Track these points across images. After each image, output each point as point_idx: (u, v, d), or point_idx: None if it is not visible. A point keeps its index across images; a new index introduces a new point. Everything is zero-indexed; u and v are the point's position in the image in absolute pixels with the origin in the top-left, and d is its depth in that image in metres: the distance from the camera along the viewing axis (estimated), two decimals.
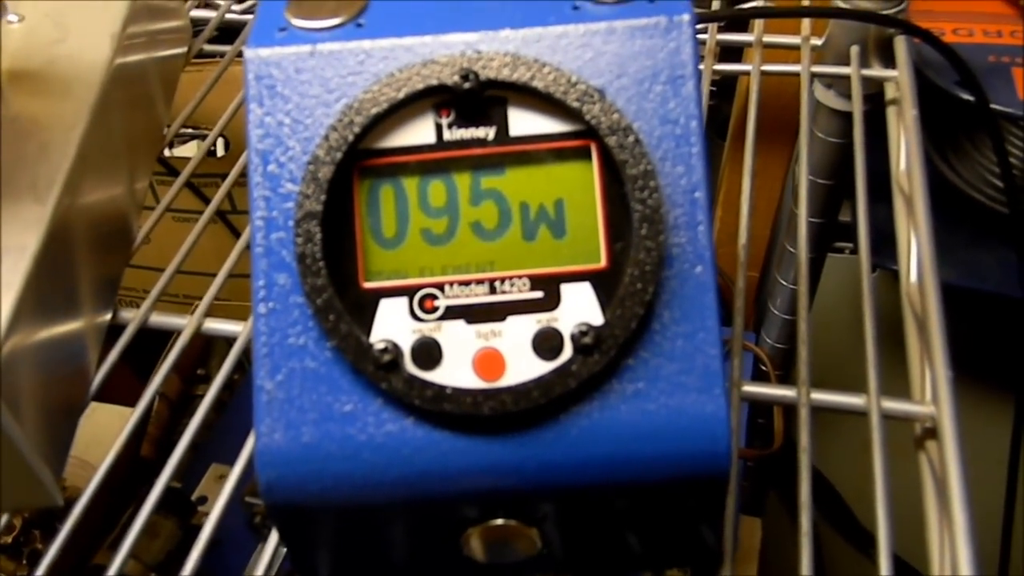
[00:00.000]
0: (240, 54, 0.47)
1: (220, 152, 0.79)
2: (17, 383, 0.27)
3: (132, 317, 0.34)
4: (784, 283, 0.60)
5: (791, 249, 0.58)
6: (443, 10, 0.24)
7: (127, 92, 0.37)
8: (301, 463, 0.22)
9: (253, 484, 0.57)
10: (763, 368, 0.64)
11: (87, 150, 0.32)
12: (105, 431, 0.37)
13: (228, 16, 0.50)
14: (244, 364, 0.83)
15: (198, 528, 0.36)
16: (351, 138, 0.22)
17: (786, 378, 0.67)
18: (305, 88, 0.23)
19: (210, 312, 0.36)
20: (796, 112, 0.59)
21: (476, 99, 0.23)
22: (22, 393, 0.27)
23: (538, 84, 0.22)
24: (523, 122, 0.23)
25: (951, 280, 0.53)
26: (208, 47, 0.48)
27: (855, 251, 0.68)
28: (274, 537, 0.29)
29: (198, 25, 0.48)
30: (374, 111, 0.22)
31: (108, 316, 0.34)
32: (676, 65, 0.23)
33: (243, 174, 0.58)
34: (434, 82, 0.22)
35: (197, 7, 0.50)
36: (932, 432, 0.29)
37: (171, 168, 0.72)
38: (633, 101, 0.23)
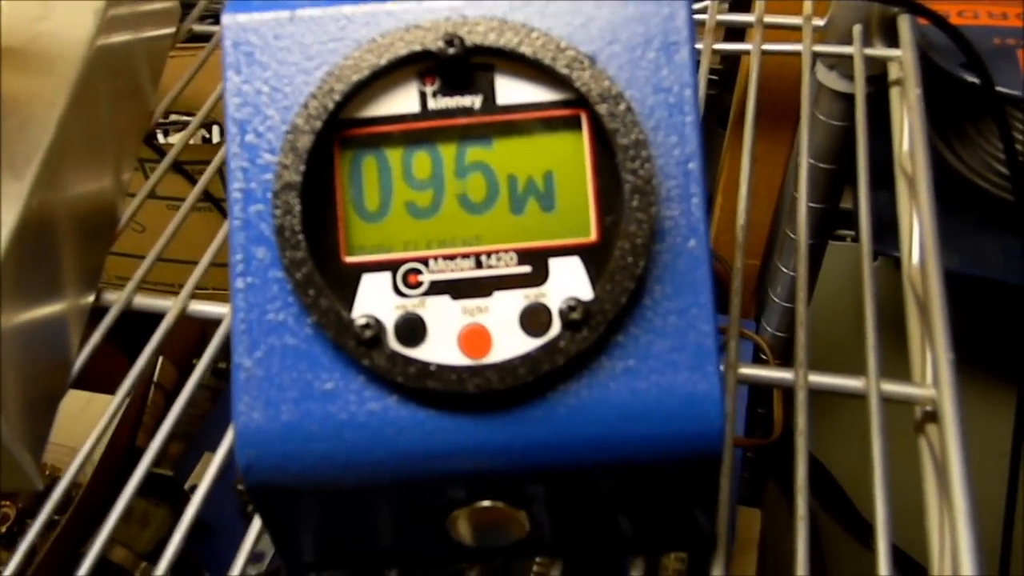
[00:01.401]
0: None
1: (216, 139, 0.78)
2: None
3: (116, 299, 0.33)
4: (785, 270, 0.59)
5: (792, 236, 0.57)
6: None
7: (111, 71, 0.36)
8: (281, 443, 0.22)
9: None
10: (763, 356, 0.63)
11: (67, 128, 0.31)
12: (100, 421, 0.36)
13: None
14: None
15: None
16: (331, 106, 0.22)
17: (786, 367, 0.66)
18: (284, 55, 0.22)
19: (202, 298, 0.35)
20: (798, 96, 0.58)
21: (462, 66, 0.22)
22: (3, 375, 0.27)
23: (526, 50, 0.22)
24: (511, 90, 0.22)
25: (954, 267, 0.52)
26: (198, 28, 0.47)
27: (857, 239, 0.68)
28: (256, 525, 0.28)
29: (188, 7, 0.47)
30: (355, 78, 0.22)
31: (91, 299, 0.33)
32: (670, 31, 0.22)
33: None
34: (417, 48, 0.22)
35: None
36: (932, 416, 0.28)
37: (165, 155, 0.71)
38: (625, 68, 0.22)
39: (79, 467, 0.30)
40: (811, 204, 0.54)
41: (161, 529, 0.53)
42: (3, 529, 0.59)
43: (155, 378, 0.75)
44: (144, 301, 0.34)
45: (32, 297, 0.29)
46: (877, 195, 0.36)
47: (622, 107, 0.21)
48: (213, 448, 0.67)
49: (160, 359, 0.73)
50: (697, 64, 0.23)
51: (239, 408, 0.22)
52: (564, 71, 0.22)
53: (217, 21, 0.48)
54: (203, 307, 0.33)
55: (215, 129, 0.79)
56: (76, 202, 0.32)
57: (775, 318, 0.62)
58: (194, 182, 0.75)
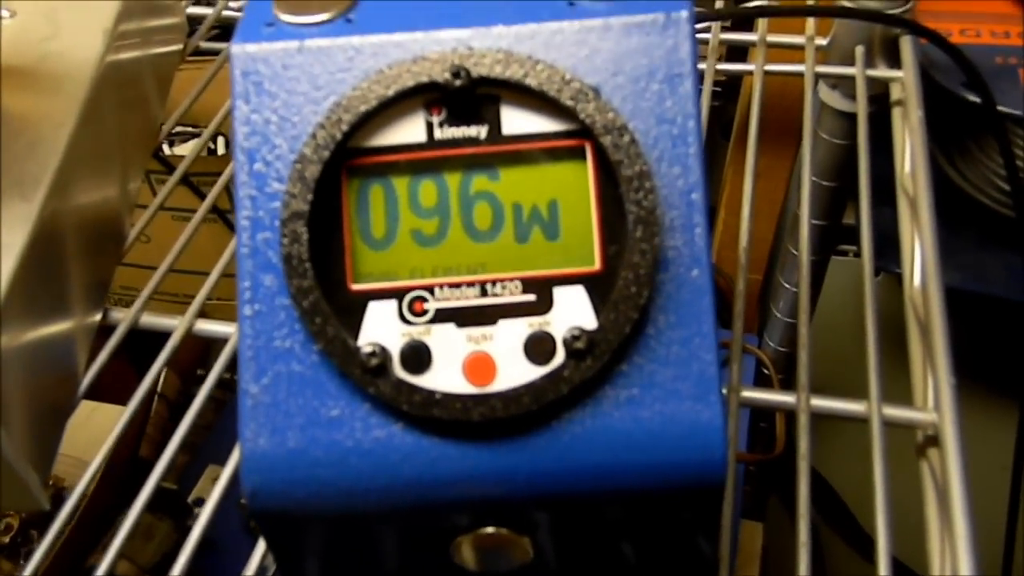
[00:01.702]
0: None
1: (220, 151, 0.79)
2: (3, 384, 0.27)
3: (123, 317, 0.34)
4: (787, 286, 0.59)
5: (794, 252, 0.58)
6: (434, 6, 0.24)
7: (120, 90, 0.37)
8: (287, 469, 0.22)
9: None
10: (765, 372, 0.63)
11: (77, 147, 0.32)
12: (106, 431, 0.36)
13: (225, 13, 0.49)
14: None
15: None
16: (339, 136, 0.22)
17: (789, 381, 0.66)
18: (293, 85, 0.23)
19: (208, 312, 0.35)
20: (801, 113, 0.58)
21: (468, 97, 0.22)
22: (8, 394, 0.27)
23: (531, 82, 0.22)
24: (516, 121, 0.23)
25: (955, 284, 0.53)
26: (206, 44, 0.47)
27: (859, 254, 0.68)
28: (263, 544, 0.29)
29: (195, 23, 0.48)
30: (363, 109, 0.22)
31: (98, 317, 0.34)
32: (674, 63, 0.22)
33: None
34: (425, 79, 0.22)
35: (194, 4, 0.49)
36: (934, 440, 0.28)
37: (170, 167, 0.71)
38: (629, 100, 0.22)
39: (89, 482, 0.30)
40: (813, 221, 0.54)
41: (164, 542, 0.53)
42: (7, 540, 0.59)
43: (158, 389, 0.75)
44: (151, 320, 0.34)
45: (40, 316, 0.29)
46: (879, 211, 0.36)
47: (626, 139, 0.22)
48: (217, 460, 0.68)
49: (164, 369, 0.74)
50: (700, 93, 0.23)
51: (245, 434, 0.22)
52: (569, 103, 0.22)
53: (224, 36, 0.48)
54: (209, 326, 0.34)
55: (220, 140, 0.80)
56: (84, 221, 0.33)
57: (777, 333, 0.62)
58: (199, 193, 0.75)
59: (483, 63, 0.22)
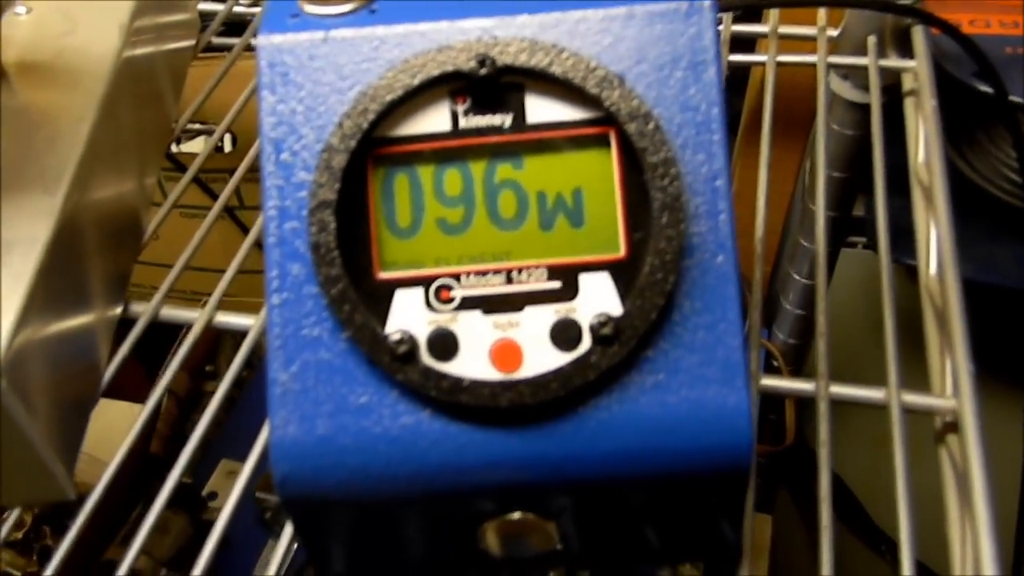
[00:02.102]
0: (249, 47, 0.46)
1: (228, 148, 0.79)
2: (28, 376, 0.27)
3: (143, 311, 0.34)
4: (797, 277, 0.59)
5: (804, 243, 0.58)
6: None
7: (136, 85, 0.37)
8: (316, 456, 0.22)
9: (264, 480, 0.57)
10: (775, 364, 0.64)
11: (96, 142, 0.32)
12: (115, 427, 0.37)
13: (236, 9, 0.49)
14: (253, 361, 0.83)
15: (209, 524, 0.35)
16: (365, 126, 0.22)
17: (798, 373, 0.67)
18: (318, 75, 0.23)
19: (220, 308, 0.35)
20: (809, 104, 0.58)
21: (492, 85, 0.22)
22: (34, 386, 0.27)
23: (556, 70, 0.22)
24: (540, 109, 0.23)
25: (967, 275, 0.53)
26: (216, 40, 0.48)
27: (868, 246, 0.68)
28: (286, 535, 0.29)
29: (206, 18, 0.48)
30: (389, 98, 0.22)
31: (119, 310, 0.34)
32: (697, 50, 0.23)
33: (251, 169, 0.58)
34: (449, 68, 0.22)
35: (204, 0, 0.50)
36: (953, 426, 0.28)
37: (179, 163, 0.72)
38: (653, 87, 0.23)
39: (108, 481, 0.31)
40: (826, 213, 0.54)
41: (180, 536, 0.53)
42: (20, 535, 0.59)
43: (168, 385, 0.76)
44: (171, 313, 0.34)
45: (63, 309, 0.29)
46: (891, 202, 0.36)
47: (651, 126, 0.22)
48: (229, 454, 0.67)
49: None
50: (723, 80, 0.23)
51: (275, 422, 0.22)
52: (594, 91, 0.22)
53: (235, 32, 0.48)
54: (229, 318, 0.34)
55: (227, 138, 0.80)
56: (104, 215, 0.33)
57: (787, 325, 0.62)
58: (207, 190, 0.75)
59: (508, 52, 0.22)
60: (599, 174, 0.23)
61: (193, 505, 0.55)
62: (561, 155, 0.23)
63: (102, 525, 0.57)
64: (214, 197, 0.59)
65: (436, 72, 0.22)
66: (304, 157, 0.23)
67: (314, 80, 0.23)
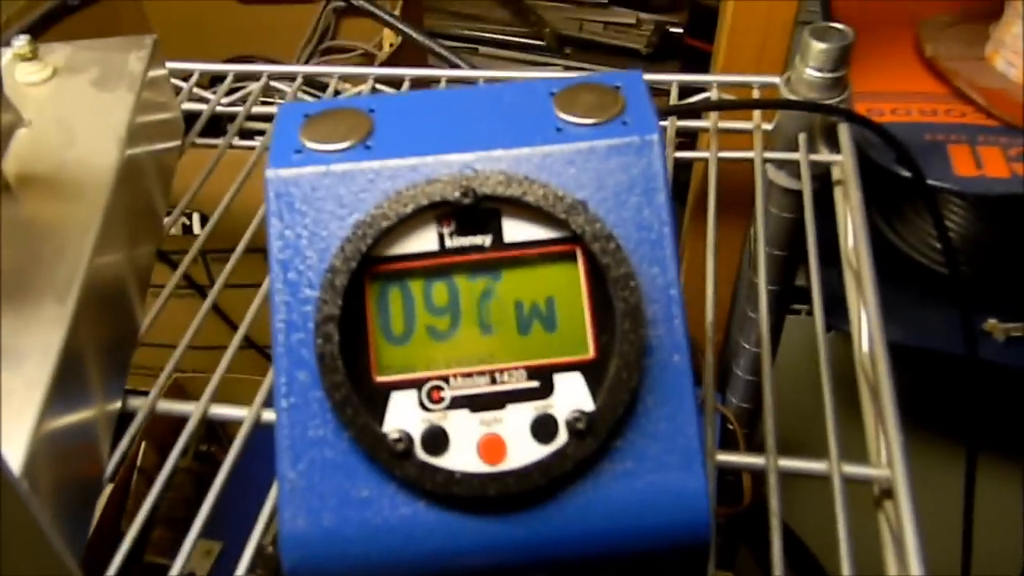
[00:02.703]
0: (232, 145, 0.49)
1: (196, 228, 0.81)
2: (41, 476, 0.29)
3: (140, 405, 0.36)
4: (746, 346, 0.63)
5: (751, 314, 0.62)
6: (441, 131, 0.27)
7: (132, 190, 0.39)
8: (323, 546, 0.24)
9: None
10: (730, 427, 0.67)
11: (100, 251, 0.34)
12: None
13: (218, 109, 0.52)
14: (220, 435, 0.83)
15: None
16: (364, 249, 0.25)
17: (752, 436, 0.70)
18: (321, 204, 0.26)
19: (182, 383, 0.37)
20: (749, 187, 0.63)
21: (474, 211, 0.26)
22: (46, 485, 0.29)
23: (530, 199, 0.25)
24: (516, 230, 0.26)
25: (898, 339, 0.57)
26: (200, 140, 0.51)
27: (811, 313, 0.72)
28: None
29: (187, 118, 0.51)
30: (384, 224, 0.25)
31: (118, 404, 0.36)
32: (649, 178, 0.26)
33: (219, 249, 0.60)
34: (438, 199, 0.25)
35: (188, 100, 0.53)
36: (888, 493, 0.32)
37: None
38: (612, 211, 0.26)
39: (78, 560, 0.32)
40: (769, 287, 0.59)
41: None
42: None
43: (138, 463, 0.76)
44: (168, 406, 0.36)
45: (71, 411, 0.32)
46: (827, 272, 0.40)
47: (612, 245, 0.25)
48: (204, 535, 0.68)
49: (143, 444, 0.75)
50: (672, 202, 0.27)
51: (284, 515, 0.25)
52: (562, 216, 0.25)
53: (212, 129, 0.51)
54: (225, 411, 0.36)
55: (195, 217, 0.82)
56: (107, 317, 0.35)
57: (739, 390, 0.66)
58: (176, 268, 0.77)
59: (488, 183, 0.25)
60: (568, 285, 0.26)
61: None
62: (535, 269, 0.26)
63: None
64: (185, 276, 0.61)
65: (426, 202, 0.25)
66: (309, 276, 0.26)
67: (317, 208, 0.26)
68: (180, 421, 0.83)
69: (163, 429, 0.80)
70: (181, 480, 0.79)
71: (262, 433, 0.35)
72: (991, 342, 0.62)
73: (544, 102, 0.28)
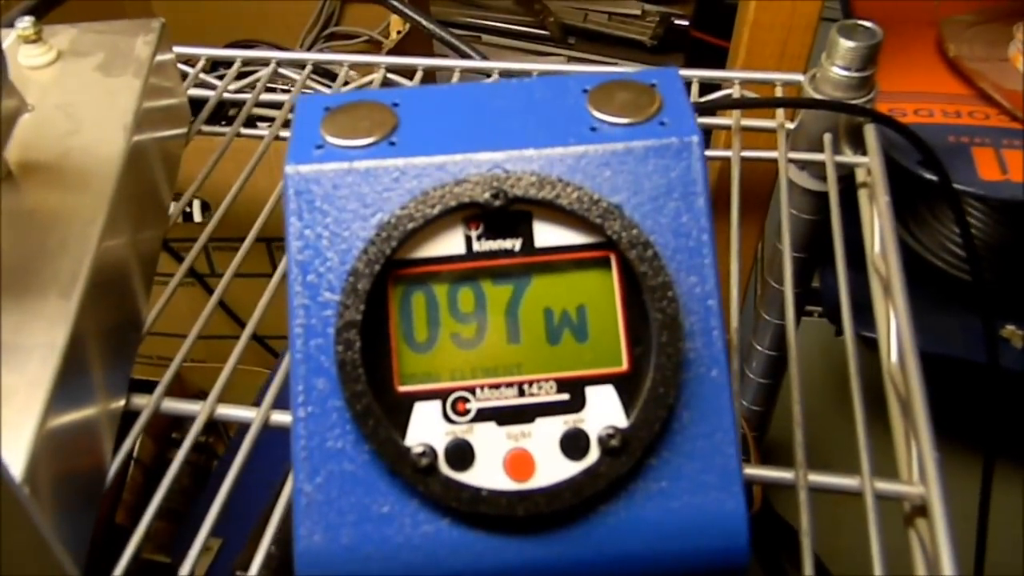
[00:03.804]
0: (239, 134, 0.48)
1: (197, 217, 0.80)
2: (43, 476, 0.28)
3: (145, 404, 0.35)
4: (760, 348, 0.62)
5: (767, 317, 0.61)
6: (470, 128, 0.26)
7: (138, 180, 0.38)
8: (340, 564, 0.23)
9: (243, 558, 0.57)
10: (742, 432, 0.66)
11: (107, 242, 0.33)
12: None
13: (225, 95, 0.51)
14: (219, 427, 0.82)
15: None
16: (388, 252, 0.24)
17: (762, 439, 0.69)
18: (343, 203, 0.25)
19: (184, 374, 0.35)
20: (765, 187, 0.61)
21: (504, 214, 0.24)
22: (47, 485, 0.28)
23: (563, 202, 0.24)
24: (547, 234, 0.25)
25: (918, 346, 0.56)
26: (207, 128, 0.49)
27: (823, 315, 0.71)
28: None
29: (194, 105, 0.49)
30: (410, 227, 0.24)
31: (122, 402, 0.35)
32: (688, 182, 0.25)
33: (221, 238, 0.59)
34: (467, 200, 0.24)
35: (194, 87, 0.51)
36: (922, 510, 0.31)
37: None
38: (649, 216, 0.25)
39: None
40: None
41: None
42: None
43: (134, 454, 0.75)
44: (173, 405, 0.35)
45: (74, 409, 0.30)
46: (847, 276, 0.39)
47: (650, 253, 0.24)
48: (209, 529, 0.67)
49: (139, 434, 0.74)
50: (712, 208, 0.25)
51: (300, 531, 0.23)
52: (597, 220, 0.24)
53: (218, 116, 0.50)
54: (230, 411, 0.35)
55: (195, 204, 0.81)
56: (111, 313, 0.34)
57: (751, 393, 0.65)
58: (179, 259, 0.76)
59: (519, 185, 0.24)
60: (601, 293, 0.25)
61: None
62: (566, 275, 0.25)
63: None
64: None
65: (454, 203, 0.24)
66: (329, 279, 0.24)
67: (338, 207, 0.25)
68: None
69: (161, 420, 0.78)
70: (178, 471, 0.78)
71: (263, 429, 0.33)
72: (1010, 349, 0.61)
73: (577, 99, 0.26)
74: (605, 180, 0.25)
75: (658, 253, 0.24)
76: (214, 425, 0.82)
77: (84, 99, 0.39)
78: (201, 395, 0.35)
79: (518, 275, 0.25)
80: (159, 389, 0.35)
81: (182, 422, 0.84)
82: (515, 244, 0.25)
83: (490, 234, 0.25)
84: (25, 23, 0.41)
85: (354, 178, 0.25)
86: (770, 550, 0.67)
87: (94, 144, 0.37)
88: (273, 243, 0.76)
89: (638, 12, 1.30)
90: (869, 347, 0.41)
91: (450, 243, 0.25)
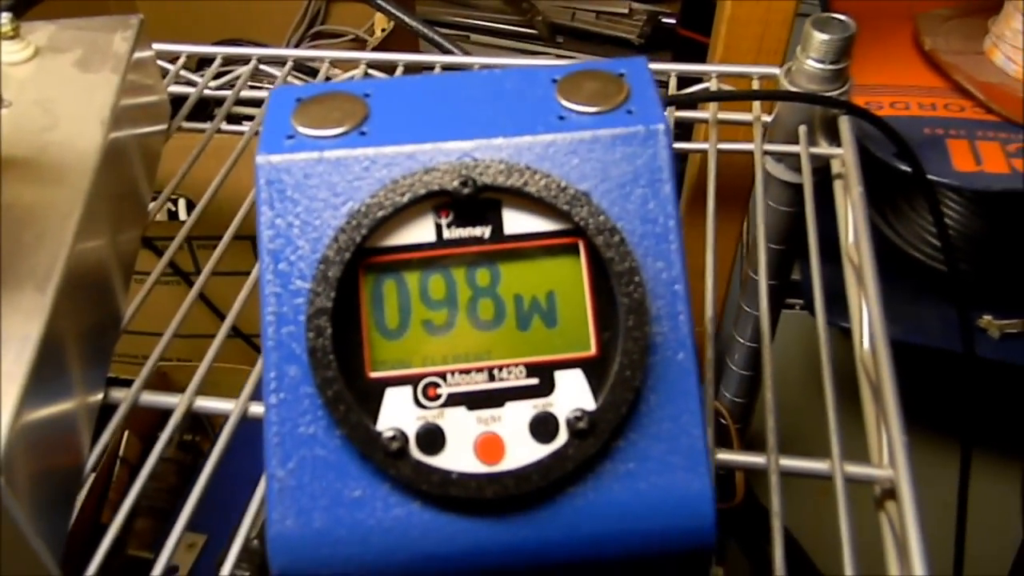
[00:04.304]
0: (220, 130, 0.48)
1: (182, 215, 0.80)
2: (19, 470, 0.28)
3: (123, 397, 0.35)
4: (741, 340, 0.63)
5: (747, 309, 0.61)
6: (440, 117, 0.26)
7: (116, 175, 0.38)
8: (313, 548, 0.23)
9: (224, 553, 0.57)
10: (723, 421, 0.66)
11: (82, 237, 0.33)
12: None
13: (206, 92, 0.51)
14: (204, 425, 0.82)
15: None
16: (359, 239, 0.24)
17: (745, 430, 0.70)
18: (313, 192, 0.25)
19: (168, 372, 0.36)
20: (746, 180, 0.62)
21: (474, 202, 0.25)
22: (23, 478, 0.28)
23: (531, 189, 0.24)
24: (516, 222, 0.25)
25: (894, 336, 0.57)
26: (187, 124, 0.49)
27: (804, 307, 0.72)
28: None
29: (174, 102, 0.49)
30: (380, 214, 0.24)
31: (100, 396, 0.35)
32: (654, 170, 0.25)
33: (206, 236, 0.59)
34: (436, 188, 0.24)
35: (175, 83, 0.51)
36: (891, 493, 0.31)
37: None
38: (616, 203, 0.25)
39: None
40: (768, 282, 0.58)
41: None
42: None
43: (120, 453, 0.75)
44: (151, 398, 0.35)
45: (51, 402, 0.30)
46: (824, 268, 0.40)
47: (616, 239, 0.24)
48: (189, 527, 0.67)
49: (125, 433, 0.74)
50: (678, 194, 0.26)
51: (273, 516, 0.24)
52: (565, 207, 0.24)
53: (199, 113, 0.50)
54: (210, 403, 0.35)
55: (181, 203, 0.81)
56: (88, 308, 0.34)
57: (733, 385, 0.65)
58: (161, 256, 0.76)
59: (488, 173, 0.25)
60: (570, 279, 0.25)
61: None
62: (535, 262, 0.25)
63: None
64: (170, 263, 0.60)
65: (423, 191, 0.24)
66: (300, 267, 0.25)
67: (309, 196, 0.25)
68: (165, 411, 0.82)
69: (147, 418, 0.78)
70: (164, 470, 0.78)
71: (247, 424, 0.34)
72: (986, 339, 0.62)
73: (546, 89, 0.27)
74: (573, 168, 0.25)
75: (625, 239, 0.24)
76: (200, 424, 0.83)
77: (62, 95, 0.39)
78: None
79: (488, 262, 0.25)
80: (138, 382, 0.35)
81: (167, 421, 0.84)
82: (485, 231, 0.25)
83: (460, 222, 0.25)
84: (3, 19, 0.41)
85: (325, 167, 0.25)
86: (753, 539, 0.67)
87: (71, 139, 0.37)
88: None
89: (626, 11, 1.31)
90: (848, 338, 0.42)
91: (420, 231, 0.25)
